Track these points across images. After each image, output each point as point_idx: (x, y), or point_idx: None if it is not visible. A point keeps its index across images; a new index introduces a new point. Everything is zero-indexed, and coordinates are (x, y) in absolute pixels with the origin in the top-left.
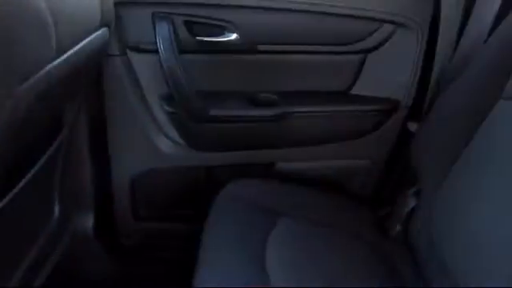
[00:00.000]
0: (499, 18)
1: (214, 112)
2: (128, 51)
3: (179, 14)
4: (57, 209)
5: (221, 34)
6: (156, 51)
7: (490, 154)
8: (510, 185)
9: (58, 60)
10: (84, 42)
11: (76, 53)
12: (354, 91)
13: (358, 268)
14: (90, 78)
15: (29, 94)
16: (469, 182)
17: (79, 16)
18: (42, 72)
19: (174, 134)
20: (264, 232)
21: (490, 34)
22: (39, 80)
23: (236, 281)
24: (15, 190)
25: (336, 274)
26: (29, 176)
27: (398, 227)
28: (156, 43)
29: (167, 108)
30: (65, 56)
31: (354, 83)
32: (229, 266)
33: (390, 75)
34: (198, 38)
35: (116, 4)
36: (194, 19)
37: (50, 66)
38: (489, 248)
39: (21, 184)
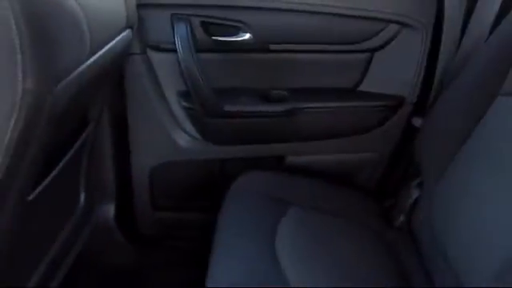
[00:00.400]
0: (500, 17)
1: (228, 108)
2: (148, 50)
3: (196, 16)
4: (82, 199)
5: (235, 34)
6: (174, 50)
7: (487, 150)
8: (506, 179)
9: (90, 60)
10: (112, 43)
11: (105, 53)
12: (361, 88)
13: (366, 256)
14: (114, 76)
15: (65, 92)
16: (467, 176)
17: (108, 19)
18: (77, 71)
19: (190, 128)
20: (274, 220)
21: (491, 33)
22: (74, 79)
23: (248, 266)
24: (46, 181)
25: (345, 261)
26: (58, 168)
27: (402, 218)
28: (174, 43)
29: (184, 104)
30: (96, 56)
31: (361, 81)
32: (241, 252)
33: (395, 73)
34: (213, 37)
35: (138, 6)
36: (210, 20)
37: (83, 66)
38: (485, 238)
39: (51, 175)
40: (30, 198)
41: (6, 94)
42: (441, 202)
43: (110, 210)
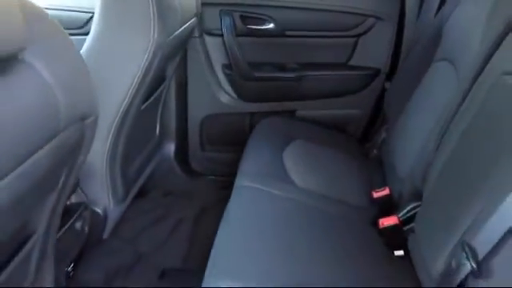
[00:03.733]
0: (442, 2)
1: (256, 74)
2: (204, 34)
3: (237, 11)
4: (157, 132)
5: (263, 24)
6: (221, 35)
7: (423, 100)
8: (427, 114)
9: (175, 34)
10: (187, 24)
11: (182, 32)
12: (350, 63)
13: (351, 173)
14: (181, 50)
15: (167, 46)
16: (409, 118)
17: (188, 7)
18: (174, 35)
19: (229, 89)
20: (283, 145)
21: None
22: (172, 39)
23: (263, 169)
24: (146, 103)
25: (336, 174)
26: (150, 100)
27: (375, 152)
28: (221, 30)
29: (226, 72)
30: (178, 31)
31: (350, 57)
32: (262, 158)
33: (373, 52)
34: (248, 26)
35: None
36: (246, 14)
37: (176, 32)
38: (411, 151)
39: (148, 102)
40: (142, 107)
41: (143, 42)
42: (395, 137)
43: (171, 148)
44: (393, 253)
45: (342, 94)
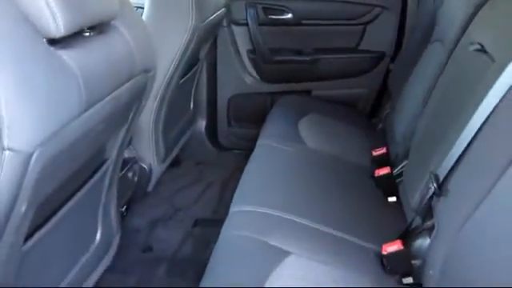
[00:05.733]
0: None
1: (277, 58)
2: (231, 24)
3: (260, 3)
4: (191, 106)
5: (282, 14)
6: (246, 24)
7: (421, 75)
8: (418, 87)
9: (208, 20)
10: (217, 12)
11: (214, 19)
12: (360, 47)
13: (357, 140)
14: (212, 38)
15: (202, 31)
16: (409, 92)
17: (218, 0)
18: (204, 23)
19: (253, 72)
20: (299, 117)
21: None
22: (206, 24)
23: (281, 140)
24: (184, 78)
25: (343, 139)
26: (187, 76)
27: (381, 125)
28: (246, 19)
29: (251, 56)
30: (210, 18)
31: (359, 43)
32: (279, 132)
33: (379, 38)
34: (269, 16)
35: None
36: (267, 6)
37: (206, 21)
38: (408, 113)
39: (183, 79)
40: (180, 82)
41: (183, 25)
42: (396, 110)
43: (202, 124)
44: (387, 198)
45: (352, 74)
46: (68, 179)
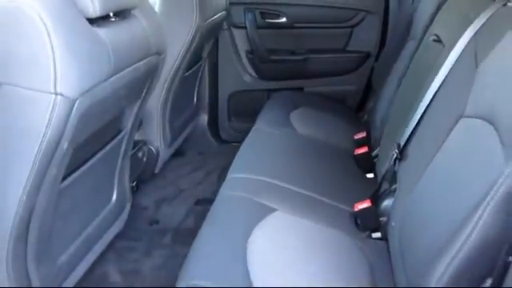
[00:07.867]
0: None
1: (273, 58)
2: (231, 27)
3: (257, 8)
4: (195, 100)
5: (277, 18)
6: (245, 27)
7: (396, 72)
8: (394, 79)
9: (210, 20)
10: (218, 15)
11: (215, 19)
12: (347, 48)
13: (341, 127)
14: (213, 39)
15: (205, 29)
16: (388, 85)
17: (219, 3)
18: (212, 18)
19: (251, 70)
20: (289, 111)
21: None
22: (211, 22)
23: (273, 126)
24: (189, 72)
25: (330, 127)
26: (192, 70)
27: (365, 117)
28: (245, 23)
29: (249, 56)
30: (212, 19)
31: (347, 44)
32: (272, 121)
33: (365, 39)
34: (266, 20)
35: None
36: (264, 11)
37: (208, 21)
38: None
39: (188, 72)
40: (186, 74)
41: (188, 23)
42: (382, 105)
43: (204, 118)
44: (365, 175)
45: (340, 73)
46: (96, 132)
